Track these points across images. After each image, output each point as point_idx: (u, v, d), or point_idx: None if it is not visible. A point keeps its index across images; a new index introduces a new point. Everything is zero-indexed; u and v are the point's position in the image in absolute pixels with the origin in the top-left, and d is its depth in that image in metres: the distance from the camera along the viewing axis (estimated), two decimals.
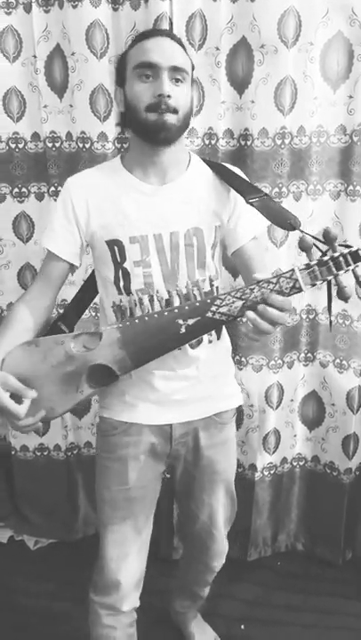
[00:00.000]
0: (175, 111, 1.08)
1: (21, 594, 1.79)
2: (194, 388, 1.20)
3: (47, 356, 1.09)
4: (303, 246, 0.93)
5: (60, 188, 1.72)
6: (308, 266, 0.92)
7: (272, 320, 0.93)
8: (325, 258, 0.92)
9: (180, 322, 1.01)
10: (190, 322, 1.01)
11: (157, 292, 1.14)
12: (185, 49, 1.12)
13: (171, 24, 1.49)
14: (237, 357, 1.75)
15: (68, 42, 1.59)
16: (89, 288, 1.31)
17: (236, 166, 1.26)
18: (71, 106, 1.64)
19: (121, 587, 1.25)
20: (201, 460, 1.28)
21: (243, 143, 1.60)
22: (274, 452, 1.86)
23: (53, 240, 1.16)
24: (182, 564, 1.58)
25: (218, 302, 0.98)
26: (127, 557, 1.26)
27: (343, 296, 0.94)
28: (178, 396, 1.19)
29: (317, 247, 1.03)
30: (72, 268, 1.20)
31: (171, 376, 1.17)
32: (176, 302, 1.13)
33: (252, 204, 1.14)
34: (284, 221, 1.12)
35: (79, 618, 1.55)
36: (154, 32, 1.13)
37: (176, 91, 1.08)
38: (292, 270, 0.93)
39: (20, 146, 1.71)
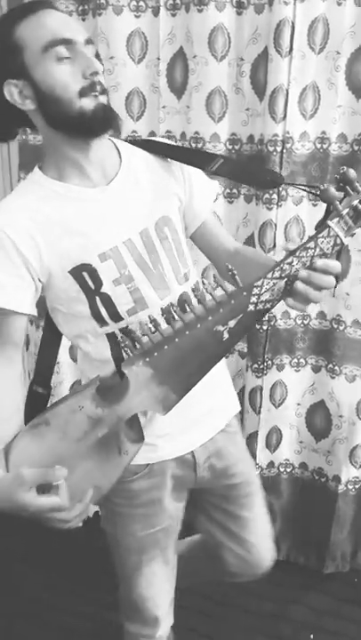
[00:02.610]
0: (104, 91, 0.91)
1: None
2: (204, 402, 1.06)
3: (66, 432, 0.90)
4: (328, 197, 0.83)
5: None
6: (340, 216, 0.83)
7: (321, 286, 0.83)
8: (355, 202, 0.82)
9: (220, 328, 0.85)
10: (232, 324, 0.86)
11: (150, 306, 0.98)
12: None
13: (293, 28, 1.50)
14: (330, 366, 1.73)
15: (191, 45, 1.64)
16: (51, 334, 1.07)
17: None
18: (188, 107, 1.69)
19: (160, 619, 1.21)
20: (233, 478, 1.18)
21: (356, 148, 1.57)
22: None
23: (3, 293, 0.91)
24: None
25: (257, 291, 0.84)
26: (161, 593, 1.19)
27: None
28: (192, 417, 1.05)
29: (312, 192, 0.96)
30: (30, 319, 0.98)
31: (190, 396, 0.96)
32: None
33: (216, 174, 1.00)
34: (263, 179, 1.01)
35: None
36: (38, 5, 0.90)
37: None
38: (328, 227, 0.82)
39: None
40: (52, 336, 1.06)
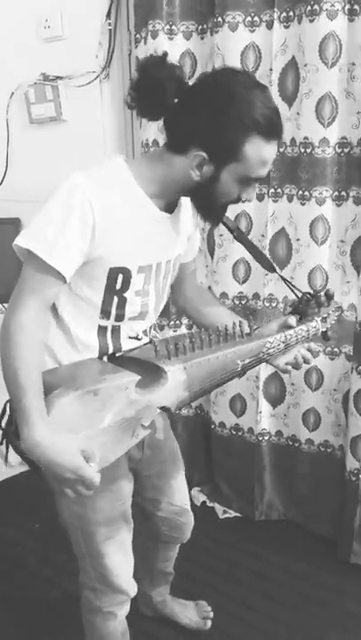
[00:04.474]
0: None
1: (203, 553, 1.98)
2: None
3: (106, 405, 0.98)
4: (319, 302, 1.26)
5: (278, 190, 1.86)
6: (323, 318, 1.25)
7: (307, 361, 1.23)
8: (331, 312, 1.27)
9: (239, 362, 1.11)
10: (246, 361, 1.12)
11: (146, 320, 1.14)
12: None
13: None
14: None
15: (303, 54, 1.70)
16: None
17: None
18: (298, 113, 1.75)
19: (129, 586, 1.28)
20: (162, 454, 1.34)
21: None
22: None
23: (64, 261, 0.97)
24: (151, 553, 1.54)
25: (268, 345, 1.14)
26: (128, 559, 1.27)
27: (327, 337, 1.29)
28: None
29: (293, 292, 1.32)
30: None
31: None
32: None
33: (235, 238, 1.22)
34: (266, 262, 1.27)
35: (253, 584, 1.73)
36: (280, 133, 1.01)
37: None
38: (316, 321, 1.23)
39: None
40: None
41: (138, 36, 1.94)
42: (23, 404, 0.93)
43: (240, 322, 1.14)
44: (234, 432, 2.14)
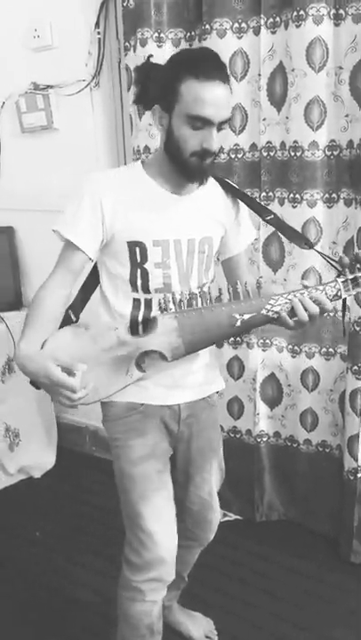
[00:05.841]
0: (212, 157, 1.14)
1: (206, 554, 1.97)
2: (194, 374, 1.32)
3: (97, 340, 1.16)
4: (343, 263, 1.14)
5: (270, 194, 1.87)
6: (346, 279, 1.13)
7: (313, 315, 1.12)
8: (359, 274, 1.13)
9: (237, 316, 1.13)
10: (246, 317, 1.13)
11: (173, 291, 1.21)
12: (230, 87, 1.12)
13: None
14: None
15: (290, 59, 1.72)
16: (91, 279, 1.34)
17: None
18: (287, 117, 1.77)
19: (166, 559, 1.28)
20: (199, 441, 1.39)
21: None
22: None
23: (77, 233, 1.19)
24: None
25: (272, 302, 1.13)
26: (168, 529, 1.30)
27: None
28: (184, 381, 1.30)
29: (332, 264, 1.22)
30: (89, 261, 1.23)
31: (180, 363, 1.22)
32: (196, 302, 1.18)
33: (268, 222, 1.30)
34: (301, 240, 1.29)
35: (256, 584, 1.75)
36: (212, 73, 1.09)
37: (218, 138, 1.13)
38: (336, 281, 1.13)
39: (239, 156, 1.90)
40: (91, 281, 1.34)
41: (127, 44, 1.95)
42: (23, 331, 1.16)
43: (247, 284, 1.17)
44: (232, 434, 2.15)
